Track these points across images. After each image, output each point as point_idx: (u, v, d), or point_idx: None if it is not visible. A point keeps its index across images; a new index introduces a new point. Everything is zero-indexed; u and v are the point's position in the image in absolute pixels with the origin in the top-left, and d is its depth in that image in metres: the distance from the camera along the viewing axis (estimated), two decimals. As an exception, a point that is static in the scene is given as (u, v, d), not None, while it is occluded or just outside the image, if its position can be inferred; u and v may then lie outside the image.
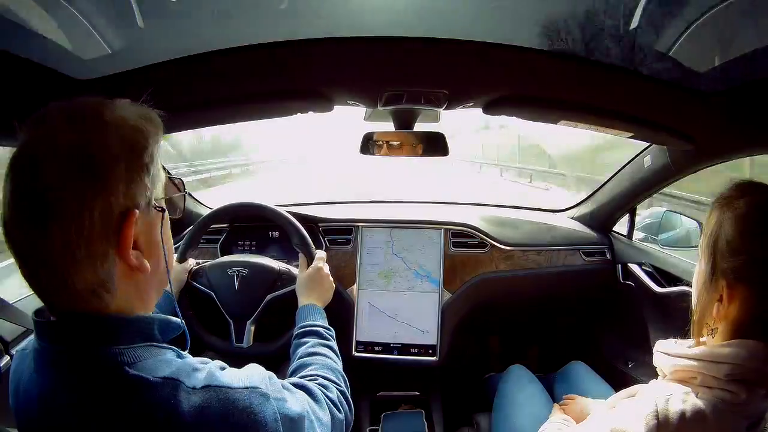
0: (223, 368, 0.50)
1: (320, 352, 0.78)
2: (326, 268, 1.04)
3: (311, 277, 1.02)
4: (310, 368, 0.73)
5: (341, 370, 0.76)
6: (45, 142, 0.41)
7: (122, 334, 0.45)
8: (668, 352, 0.63)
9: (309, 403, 0.58)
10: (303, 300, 0.97)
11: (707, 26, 0.61)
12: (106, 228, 0.42)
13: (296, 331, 0.86)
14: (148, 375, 0.43)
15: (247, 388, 0.47)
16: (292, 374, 0.74)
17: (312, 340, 0.81)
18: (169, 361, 0.46)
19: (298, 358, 0.77)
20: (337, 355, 0.81)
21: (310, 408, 0.57)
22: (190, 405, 0.43)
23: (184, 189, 0.62)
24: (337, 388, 0.69)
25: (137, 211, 0.44)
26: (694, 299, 0.65)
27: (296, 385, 0.61)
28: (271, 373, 0.54)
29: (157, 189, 0.48)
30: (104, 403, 0.43)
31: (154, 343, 0.47)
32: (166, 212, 0.50)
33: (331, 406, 0.64)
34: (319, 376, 0.70)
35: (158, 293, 0.52)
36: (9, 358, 0.84)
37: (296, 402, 0.54)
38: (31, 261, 0.42)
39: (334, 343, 0.84)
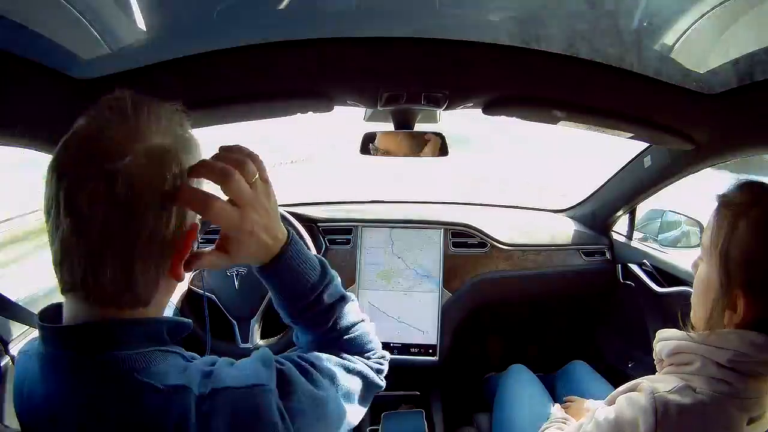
0: (231, 364, 0.48)
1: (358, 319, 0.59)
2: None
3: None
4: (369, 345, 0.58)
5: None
6: (134, 132, 0.41)
7: (131, 337, 0.44)
8: (671, 337, 0.63)
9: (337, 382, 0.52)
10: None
11: (707, 26, 0.61)
12: (175, 234, 0.43)
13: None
14: (157, 382, 0.42)
15: (251, 386, 0.45)
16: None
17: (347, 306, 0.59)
18: (178, 366, 0.45)
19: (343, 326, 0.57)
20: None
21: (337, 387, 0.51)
22: (200, 413, 0.42)
23: None
24: (384, 360, 0.60)
25: (198, 221, 0.46)
26: (696, 303, 0.64)
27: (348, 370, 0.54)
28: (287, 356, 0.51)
29: None
30: (113, 411, 0.42)
31: (161, 347, 0.46)
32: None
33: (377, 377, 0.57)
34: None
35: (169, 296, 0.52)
36: (9, 358, 0.84)
37: (311, 387, 0.49)
38: (86, 249, 0.41)
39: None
